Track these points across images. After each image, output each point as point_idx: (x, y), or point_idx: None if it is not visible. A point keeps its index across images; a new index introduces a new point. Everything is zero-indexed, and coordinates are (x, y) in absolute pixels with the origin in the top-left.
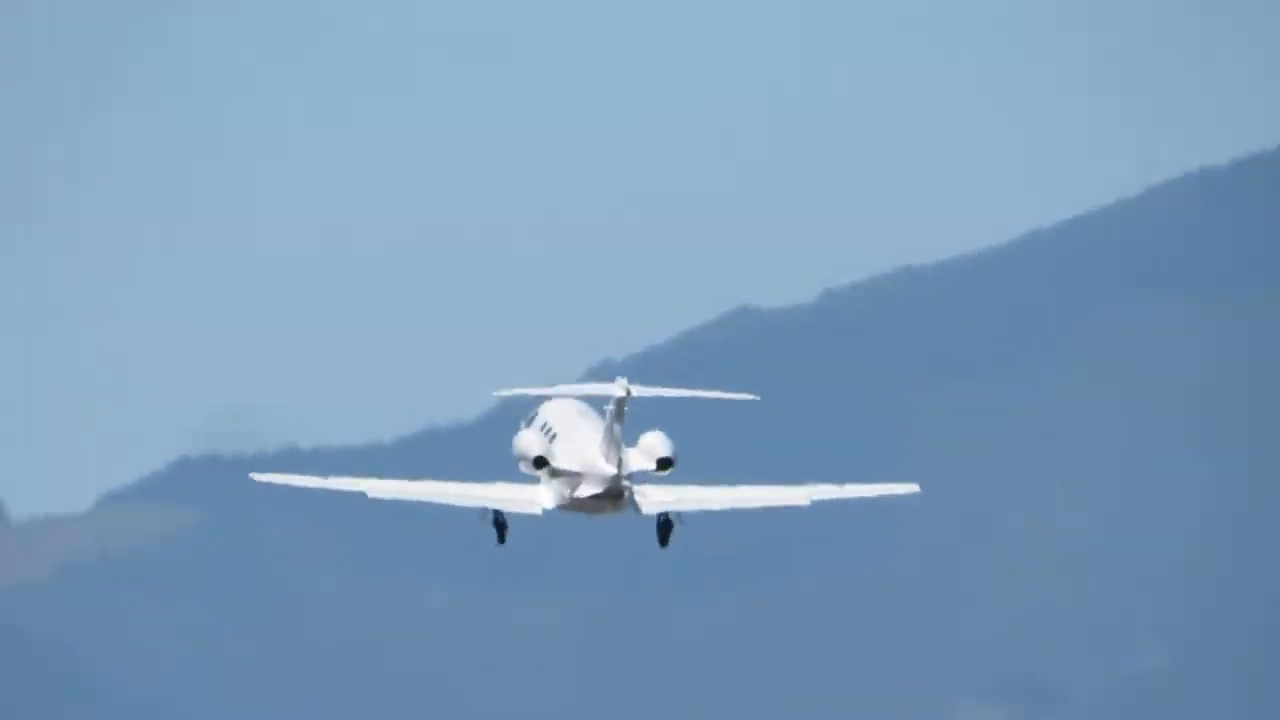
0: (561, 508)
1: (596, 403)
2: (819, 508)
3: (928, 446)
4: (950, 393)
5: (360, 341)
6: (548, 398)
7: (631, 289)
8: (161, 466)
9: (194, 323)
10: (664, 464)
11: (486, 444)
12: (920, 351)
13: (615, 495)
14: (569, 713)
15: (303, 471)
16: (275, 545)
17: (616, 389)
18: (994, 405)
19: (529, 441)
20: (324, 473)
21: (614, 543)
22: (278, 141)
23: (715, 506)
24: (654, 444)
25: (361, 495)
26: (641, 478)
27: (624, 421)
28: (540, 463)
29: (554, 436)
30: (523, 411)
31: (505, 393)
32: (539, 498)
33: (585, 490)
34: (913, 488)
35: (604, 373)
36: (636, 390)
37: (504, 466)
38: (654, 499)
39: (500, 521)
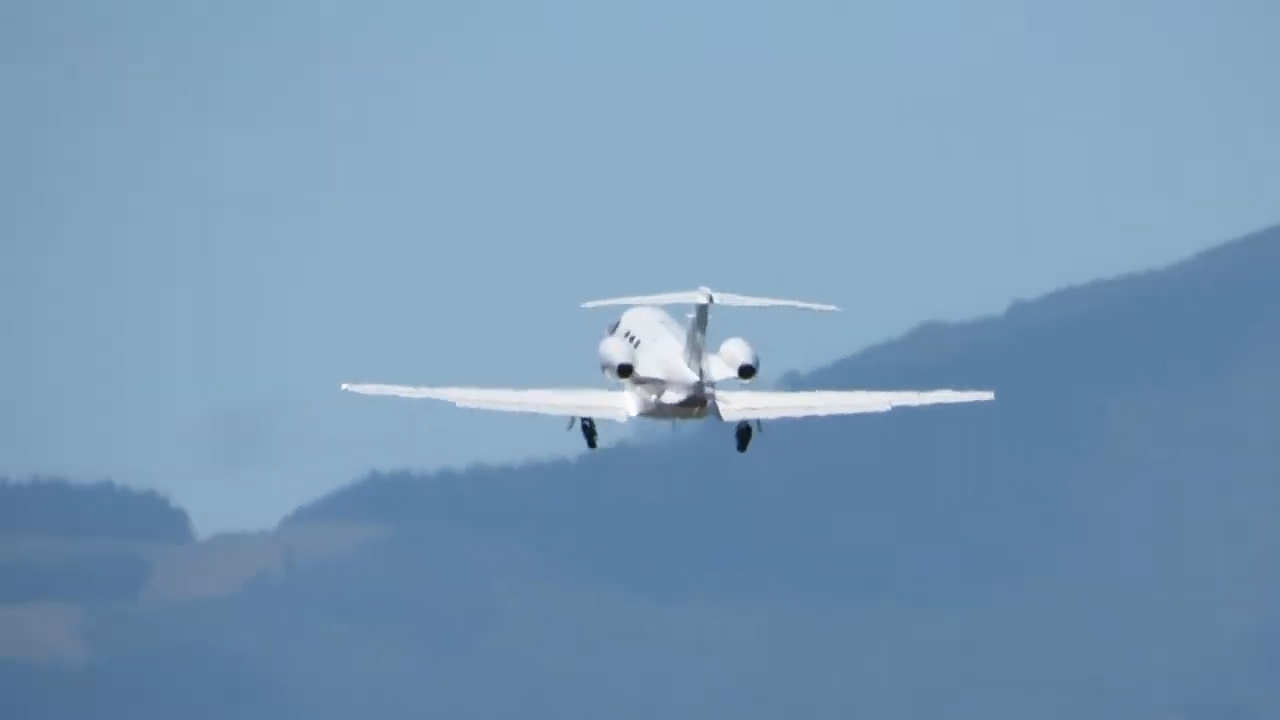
0: (645, 414)
1: (678, 311)
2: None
3: (1119, 458)
4: (1141, 403)
5: (531, 366)
6: (630, 306)
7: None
8: (349, 482)
9: (380, 339)
10: (746, 371)
11: None
12: (1111, 363)
13: (698, 402)
14: None
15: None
16: (464, 559)
17: (699, 297)
18: (1186, 416)
19: (614, 349)
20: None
21: (805, 553)
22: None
23: (796, 413)
24: (736, 351)
25: (541, 514)
26: (724, 384)
27: (706, 329)
28: (625, 370)
29: (638, 344)
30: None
31: (593, 304)
32: (624, 404)
33: (669, 397)
34: (988, 395)
35: (792, 383)
36: (719, 298)
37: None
38: (735, 406)
39: (589, 427)
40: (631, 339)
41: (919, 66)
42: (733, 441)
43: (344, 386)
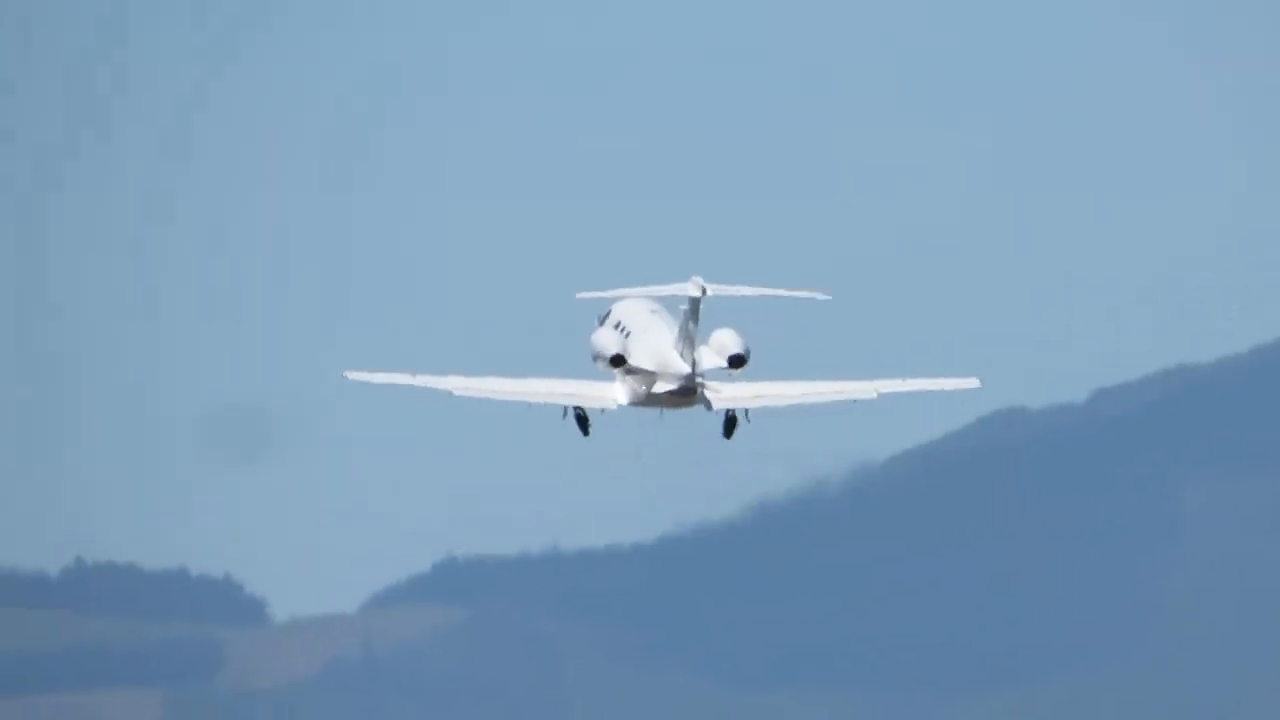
0: (635, 404)
1: (670, 303)
2: None
3: (1205, 546)
4: (1228, 492)
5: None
6: (624, 297)
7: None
8: (427, 566)
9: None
10: (736, 361)
11: None
12: (1191, 450)
13: (688, 392)
14: None
15: None
16: (540, 644)
17: (692, 289)
18: (1268, 504)
19: (606, 340)
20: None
21: (884, 639)
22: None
23: (783, 403)
24: (726, 341)
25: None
26: (713, 375)
27: (699, 320)
28: (617, 361)
29: (628, 334)
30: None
31: (588, 295)
32: (615, 394)
33: (660, 387)
34: (973, 382)
35: (870, 469)
36: (712, 289)
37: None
38: (725, 395)
39: (581, 416)
40: (622, 330)
41: (996, 137)
42: (720, 431)
43: (347, 374)
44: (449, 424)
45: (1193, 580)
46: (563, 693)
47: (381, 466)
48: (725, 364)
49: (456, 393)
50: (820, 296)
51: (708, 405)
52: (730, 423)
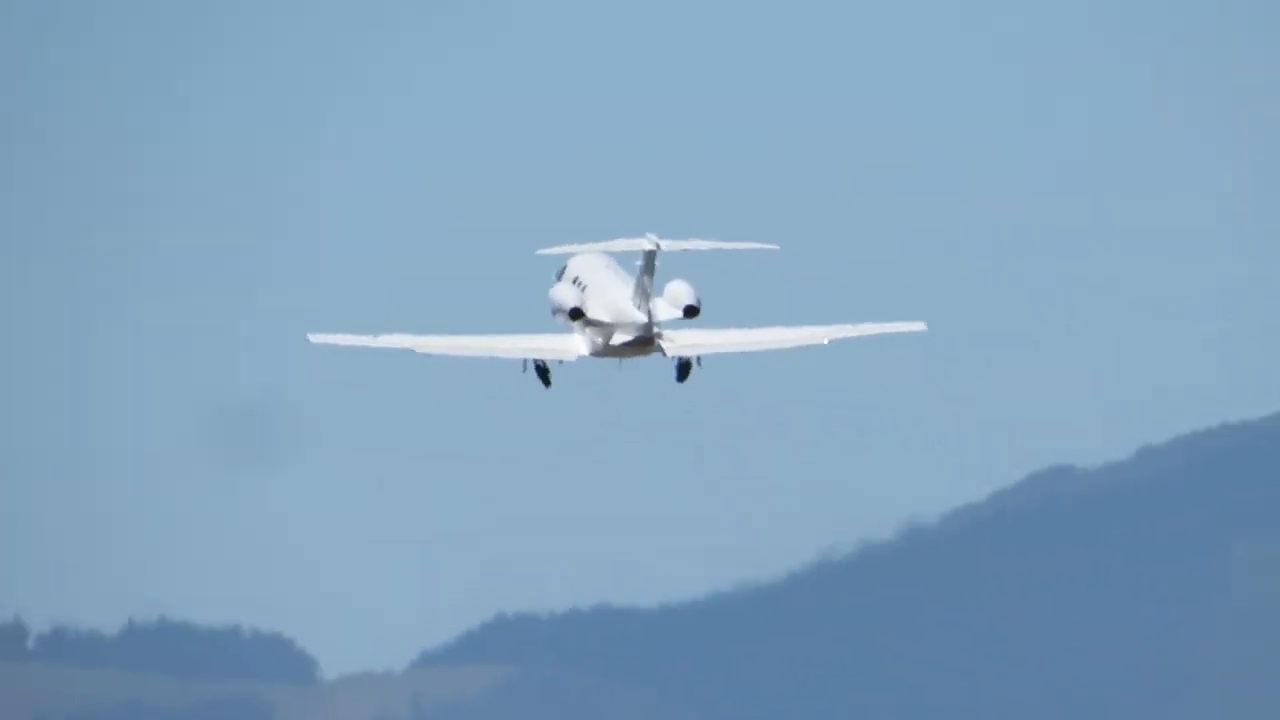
0: (595, 354)
1: (625, 258)
2: None
3: (1254, 604)
4: (1271, 549)
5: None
6: (578, 254)
7: (941, 444)
8: (477, 624)
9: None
10: (690, 311)
11: None
12: (1245, 508)
13: (645, 342)
14: None
15: None
16: (591, 702)
17: (645, 243)
18: None
19: (564, 294)
20: None
21: (942, 698)
22: None
23: (735, 349)
24: (680, 293)
25: None
26: (668, 324)
27: (654, 274)
28: (576, 314)
29: (585, 289)
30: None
31: (548, 251)
32: (574, 345)
33: (618, 338)
34: (919, 325)
35: (919, 527)
36: (665, 244)
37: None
38: (679, 343)
39: (542, 370)
40: (579, 284)
41: (1040, 193)
42: (673, 375)
43: (310, 338)
44: (494, 476)
45: (1242, 638)
46: None
47: (433, 523)
48: (680, 314)
49: (419, 350)
50: (769, 248)
51: (663, 353)
52: (684, 368)
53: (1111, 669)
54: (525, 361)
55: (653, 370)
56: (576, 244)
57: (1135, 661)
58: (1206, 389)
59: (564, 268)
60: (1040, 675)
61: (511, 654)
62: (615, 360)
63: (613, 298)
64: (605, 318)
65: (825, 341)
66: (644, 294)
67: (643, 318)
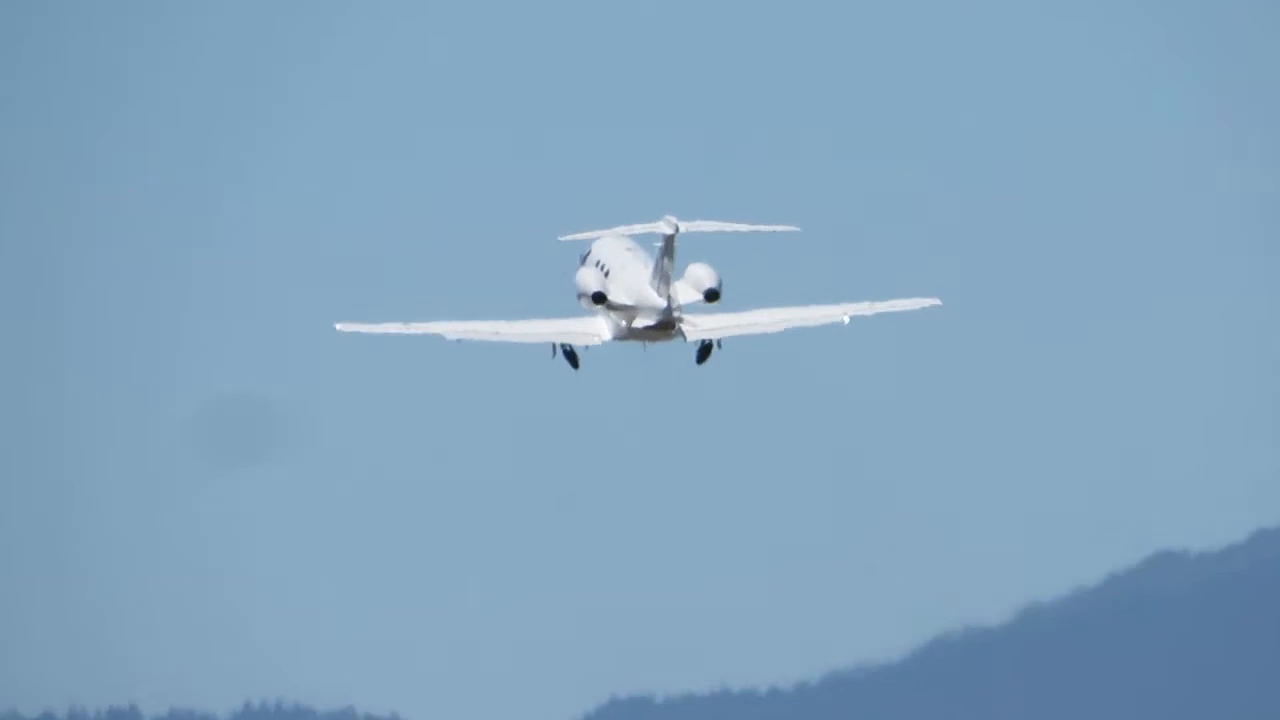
0: (618, 338)
1: (645, 240)
2: None
3: None
4: None
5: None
6: (601, 237)
7: (1053, 529)
8: (592, 707)
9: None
10: (711, 295)
11: None
12: None
13: (667, 326)
14: None
15: None
16: None
17: (665, 226)
18: None
19: (588, 278)
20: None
21: None
22: None
23: (755, 331)
24: (701, 276)
25: None
26: (689, 308)
27: (674, 257)
28: (599, 298)
29: (608, 272)
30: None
31: (570, 237)
32: (598, 329)
33: (640, 322)
34: (934, 301)
35: (1036, 612)
36: (685, 226)
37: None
38: (701, 327)
39: (570, 353)
40: (602, 268)
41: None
42: (694, 356)
43: (338, 327)
44: (613, 554)
45: None
46: None
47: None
48: (701, 297)
49: (449, 336)
50: (789, 229)
51: (684, 337)
52: (704, 351)
53: None
54: (553, 347)
55: (676, 355)
56: (598, 229)
57: None
58: None
59: (588, 252)
60: None
61: None
62: (639, 344)
63: (633, 281)
64: (626, 301)
65: (846, 320)
66: (664, 277)
67: (663, 302)
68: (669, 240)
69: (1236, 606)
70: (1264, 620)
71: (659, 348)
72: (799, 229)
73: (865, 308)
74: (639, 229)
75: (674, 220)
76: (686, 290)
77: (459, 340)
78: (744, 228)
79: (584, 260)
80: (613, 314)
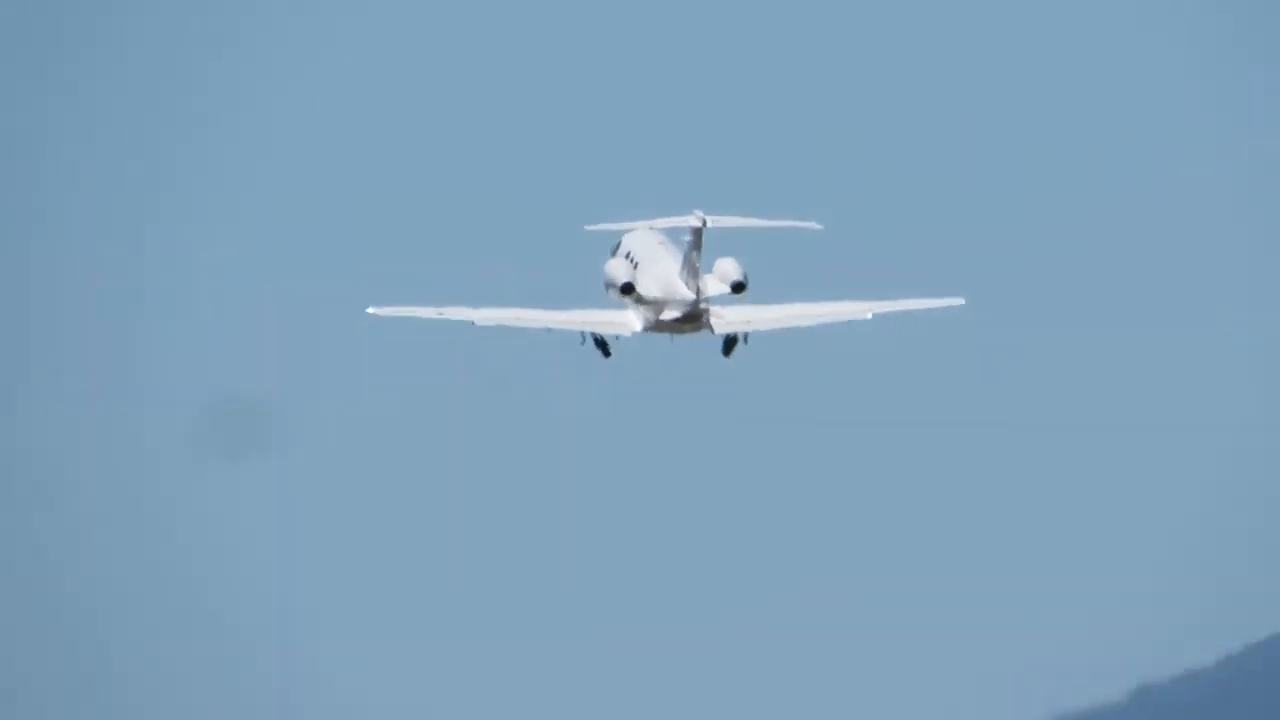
0: (647, 330)
1: (674, 233)
2: None
3: None
4: None
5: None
6: (630, 229)
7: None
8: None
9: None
10: (738, 288)
11: None
12: None
13: (694, 318)
14: None
15: None
16: None
17: (693, 220)
18: None
19: (617, 270)
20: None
21: None
22: None
23: (781, 325)
24: (728, 269)
25: None
26: (716, 300)
27: (701, 250)
28: (628, 289)
29: (637, 264)
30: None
31: (594, 228)
32: (629, 320)
33: (668, 314)
34: (958, 300)
35: (1144, 693)
36: (712, 221)
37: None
38: (727, 319)
39: (601, 341)
40: (631, 260)
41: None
42: (719, 348)
43: (369, 310)
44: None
45: None
46: None
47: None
48: (729, 290)
49: (479, 323)
50: (813, 226)
51: (711, 330)
52: (730, 343)
53: None
54: (584, 334)
55: (702, 347)
56: (625, 221)
57: None
58: None
59: (618, 244)
60: None
61: None
62: (667, 336)
63: (662, 274)
64: (655, 293)
65: (869, 315)
66: (693, 270)
67: (691, 295)
68: (697, 234)
69: None
70: None
71: (686, 339)
72: (821, 227)
73: (889, 305)
74: (666, 222)
75: (702, 214)
76: (714, 283)
77: (482, 326)
78: (770, 223)
79: (614, 251)
80: (641, 306)
